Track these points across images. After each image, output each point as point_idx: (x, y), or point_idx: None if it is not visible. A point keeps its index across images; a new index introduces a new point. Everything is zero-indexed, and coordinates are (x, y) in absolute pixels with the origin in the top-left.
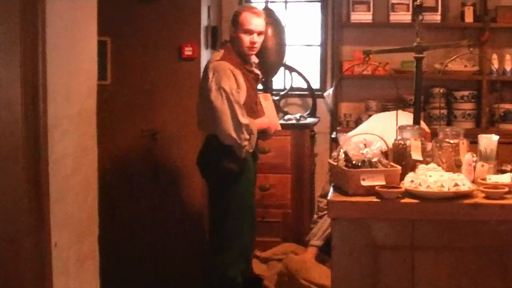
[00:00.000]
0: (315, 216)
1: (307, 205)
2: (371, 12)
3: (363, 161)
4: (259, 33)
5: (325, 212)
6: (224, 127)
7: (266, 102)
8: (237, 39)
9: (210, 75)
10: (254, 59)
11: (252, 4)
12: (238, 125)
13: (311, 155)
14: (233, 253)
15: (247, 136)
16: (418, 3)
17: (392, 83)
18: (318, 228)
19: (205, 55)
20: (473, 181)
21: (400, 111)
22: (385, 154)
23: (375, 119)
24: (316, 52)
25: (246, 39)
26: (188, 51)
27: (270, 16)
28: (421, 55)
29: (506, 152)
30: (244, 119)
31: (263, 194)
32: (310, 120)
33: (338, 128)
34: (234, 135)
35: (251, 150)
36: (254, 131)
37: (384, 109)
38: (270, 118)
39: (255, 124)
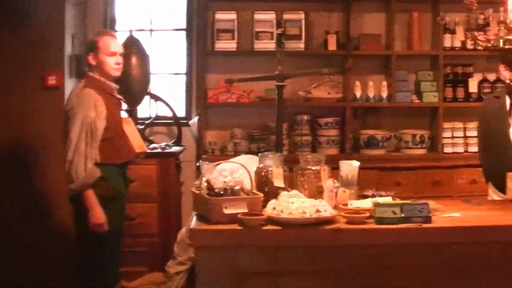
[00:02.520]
0: (168, 266)
1: (174, 234)
2: (235, 41)
3: (225, 189)
4: (120, 54)
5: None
6: (68, 154)
7: (128, 126)
8: (102, 64)
9: (71, 104)
10: (115, 85)
11: (117, 33)
12: (80, 155)
13: (177, 183)
14: (106, 283)
15: (77, 175)
16: (279, 32)
17: (257, 111)
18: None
19: (69, 84)
20: (335, 207)
21: (249, 156)
22: None
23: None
24: (182, 80)
25: (111, 61)
26: (51, 80)
27: (134, 45)
28: (282, 83)
29: (369, 177)
30: (89, 162)
31: (129, 223)
32: (175, 148)
33: (203, 156)
34: (70, 159)
35: (73, 187)
36: (83, 180)
37: (249, 137)
38: (96, 212)
39: (89, 181)
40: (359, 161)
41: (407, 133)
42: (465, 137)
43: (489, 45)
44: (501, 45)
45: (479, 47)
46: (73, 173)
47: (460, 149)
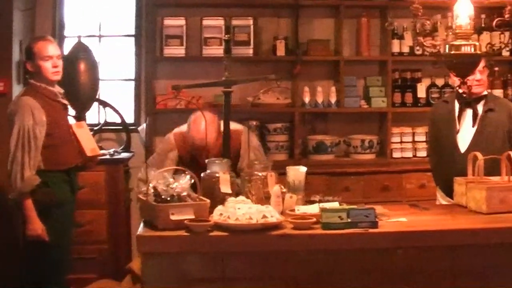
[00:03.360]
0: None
1: (124, 241)
2: (184, 46)
3: (172, 196)
4: (58, 57)
5: None
6: (8, 163)
7: (80, 129)
8: (39, 69)
9: (9, 113)
10: (59, 89)
11: (66, 39)
12: (18, 164)
13: (126, 190)
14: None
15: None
16: (226, 38)
17: None
18: None
19: (17, 91)
20: (282, 213)
21: None
22: None
23: None
24: (131, 86)
25: (48, 65)
26: None
27: (83, 51)
28: (229, 89)
29: (318, 182)
30: (26, 170)
31: (78, 230)
32: (124, 155)
33: None
34: (9, 168)
35: (11, 196)
36: (20, 189)
37: None
38: (32, 224)
39: (26, 190)
40: (308, 167)
41: (356, 138)
42: (414, 142)
43: (435, 50)
44: (447, 50)
45: (427, 53)
46: (12, 182)
47: (409, 154)
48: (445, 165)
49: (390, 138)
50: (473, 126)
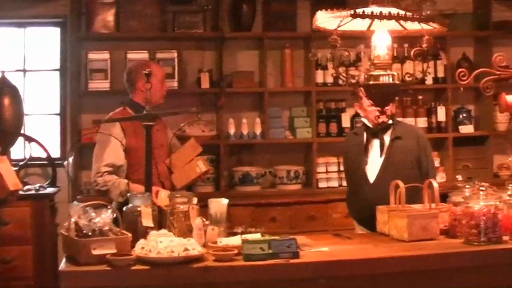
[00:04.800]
0: None
1: (50, 277)
2: (108, 80)
3: (94, 230)
4: None
5: None
6: None
7: (2, 164)
8: None
9: None
10: None
11: None
12: None
13: (53, 225)
14: None
15: None
16: (147, 72)
17: None
18: None
19: None
20: (204, 245)
21: None
22: None
23: None
24: (56, 121)
25: None
26: None
27: (7, 86)
28: (150, 123)
29: (244, 213)
30: None
31: (3, 267)
32: (50, 190)
33: (79, 197)
34: None
35: None
36: None
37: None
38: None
39: None
40: (234, 198)
41: (282, 169)
42: (339, 171)
43: (354, 81)
44: (364, 80)
45: (345, 83)
46: None
47: (335, 184)
48: (356, 196)
49: (315, 168)
50: (380, 156)
